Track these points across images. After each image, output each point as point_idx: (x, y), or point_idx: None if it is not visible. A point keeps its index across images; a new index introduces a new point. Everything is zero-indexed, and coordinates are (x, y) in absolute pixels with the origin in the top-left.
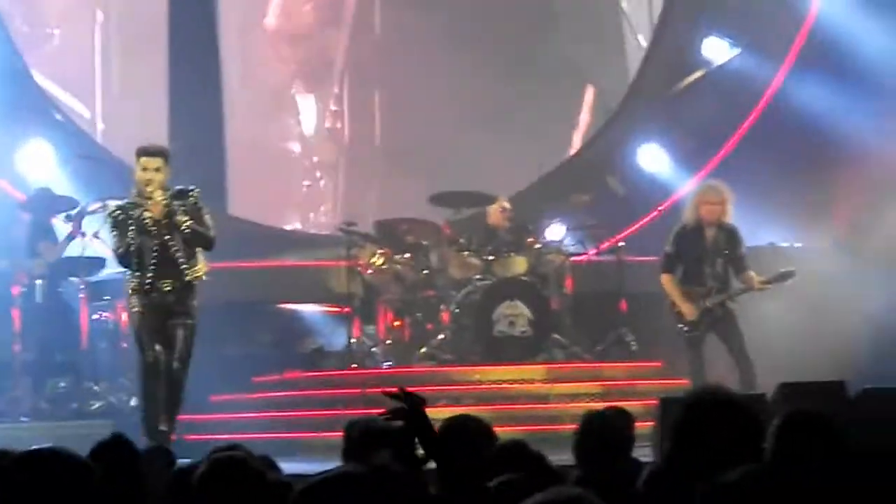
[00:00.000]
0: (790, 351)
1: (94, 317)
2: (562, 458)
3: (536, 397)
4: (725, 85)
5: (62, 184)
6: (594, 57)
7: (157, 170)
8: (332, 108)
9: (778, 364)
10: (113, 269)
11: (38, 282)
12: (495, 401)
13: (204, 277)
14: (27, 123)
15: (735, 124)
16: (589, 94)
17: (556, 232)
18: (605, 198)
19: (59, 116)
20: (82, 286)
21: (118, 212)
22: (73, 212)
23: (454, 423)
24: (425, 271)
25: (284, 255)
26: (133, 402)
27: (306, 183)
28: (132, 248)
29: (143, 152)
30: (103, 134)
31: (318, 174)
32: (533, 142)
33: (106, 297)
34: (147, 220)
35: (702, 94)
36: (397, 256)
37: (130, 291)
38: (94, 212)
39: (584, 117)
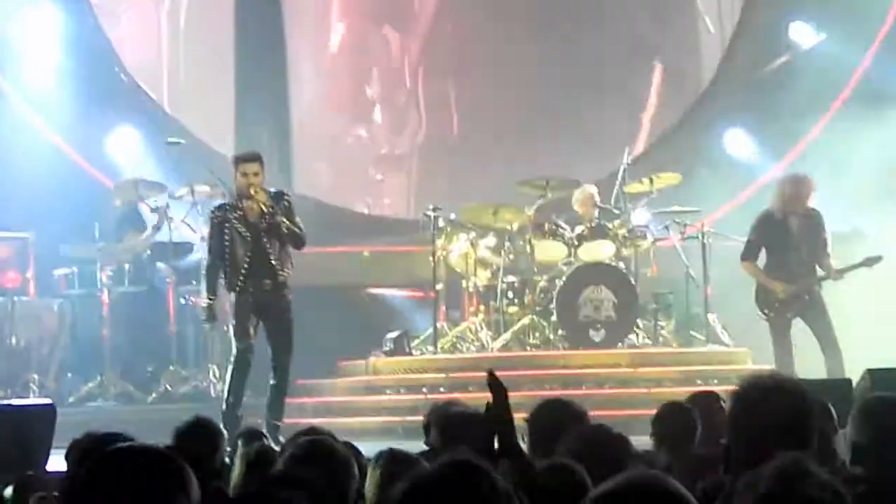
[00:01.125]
0: (878, 337)
1: (182, 301)
2: (647, 443)
3: (621, 382)
4: (811, 70)
5: (149, 169)
6: (664, 39)
7: (256, 174)
8: (405, 98)
9: (865, 350)
10: (200, 254)
11: (127, 267)
12: (580, 385)
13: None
14: (115, 110)
15: (821, 109)
16: (657, 76)
17: (641, 216)
18: (691, 182)
19: (147, 102)
20: (170, 271)
21: (217, 214)
22: (159, 203)
23: (549, 405)
24: (510, 256)
25: (370, 239)
26: (220, 386)
27: (378, 177)
28: (226, 253)
29: (242, 159)
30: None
31: (389, 164)
32: (610, 127)
33: (193, 282)
34: (242, 224)
35: (788, 78)
36: (482, 241)
37: (228, 290)
38: (180, 197)
39: (653, 100)
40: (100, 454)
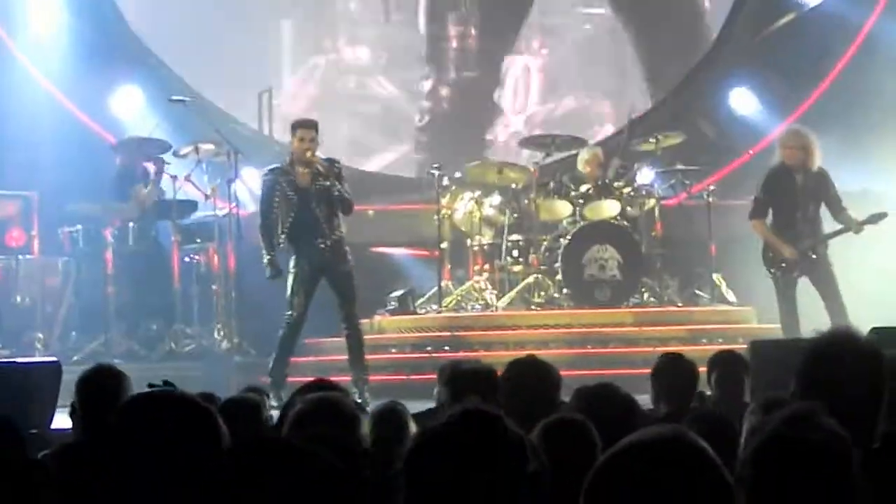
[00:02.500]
0: (882, 296)
1: (186, 259)
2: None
3: (626, 341)
4: (818, 27)
5: (153, 127)
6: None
7: (312, 140)
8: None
9: (869, 309)
10: (205, 212)
11: (131, 224)
12: (585, 344)
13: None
14: (119, 68)
15: (827, 67)
16: (661, 34)
17: (646, 176)
18: (696, 141)
19: (151, 60)
20: (174, 229)
21: (269, 176)
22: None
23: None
24: (515, 215)
25: (374, 198)
26: (224, 344)
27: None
28: (275, 215)
29: (300, 124)
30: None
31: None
32: (620, 85)
33: (197, 240)
34: (292, 189)
35: (794, 36)
36: (487, 200)
37: (294, 253)
38: (185, 155)
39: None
40: (131, 401)
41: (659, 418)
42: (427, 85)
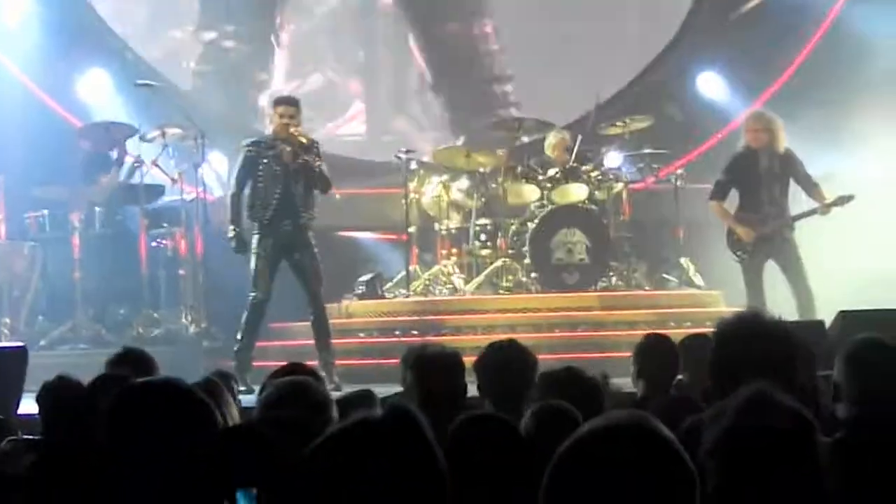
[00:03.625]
0: (848, 279)
1: (153, 244)
2: (618, 384)
3: (594, 324)
4: (785, 11)
5: (120, 111)
6: None
7: (292, 116)
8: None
9: (835, 292)
10: (172, 196)
11: (98, 209)
12: (553, 328)
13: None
14: (86, 52)
15: (794, 51)
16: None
17: (613, 159)
18: (664, 125)
19: (116, 44)
20: (141, 214)
21: (251, 149)
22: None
23: (496, 348)
24: (483, 199)
25: (342, 182)
26: (192, 329)
27: (350, 118)
28: (258, 188)
29: (280, 101)
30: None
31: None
32: (590, 68)
33: (165, 225)
34: (275, 163)
35: (761, 20)
36: (454, 184)
37: (255, 231)
38: (152, 139)
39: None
40: (124, 389)
41: (624, 403)
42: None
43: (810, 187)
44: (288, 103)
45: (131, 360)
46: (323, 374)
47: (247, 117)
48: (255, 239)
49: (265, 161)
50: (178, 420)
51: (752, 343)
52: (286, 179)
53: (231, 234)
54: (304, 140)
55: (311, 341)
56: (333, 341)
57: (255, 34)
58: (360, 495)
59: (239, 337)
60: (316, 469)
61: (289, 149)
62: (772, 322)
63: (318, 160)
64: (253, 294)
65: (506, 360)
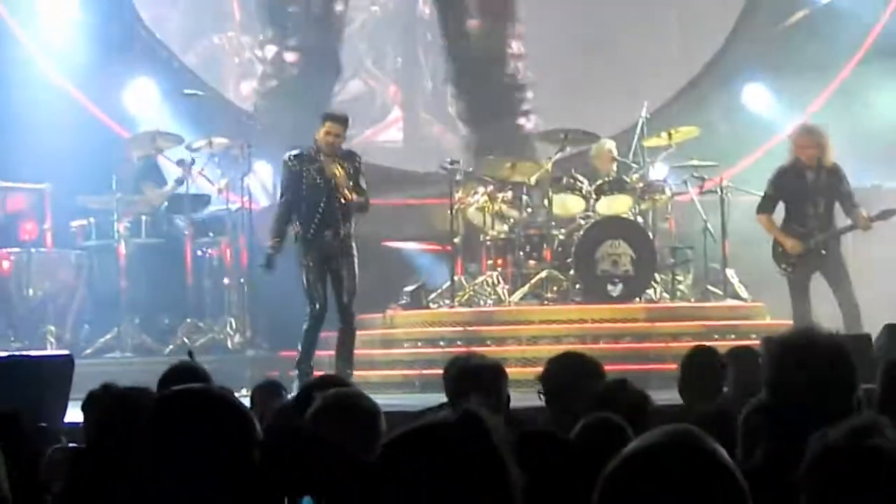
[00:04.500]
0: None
1: (199, 253)
2: (663, 397)
3: (638, 336)
4: (830, 23)
5: (167, 121)
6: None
7: (338, 135)
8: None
9: (883, 306)
10: (217, 206)
11: (144, 218)
12: (597, 340)
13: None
14: (132, 61)
15: (840, 63)
16: (676, 30)
17: (659, 170)
18: (709, 136)
19: (163, 53)
20: (187, 223)
21: (294, 162)
22: (182, 156)
23: (563, 359)
24: (528, 210)
25: (387, 192)
26: (237, 338)
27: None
28: (303, 201)
29: (330, 117)
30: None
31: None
32: (635, 80)
33: (210, 234)
34: (319, 176)
35: (807, 32)
36: (500, 195)
37: (298, 243)
38: (198, 149)
39: (671, 54)
40: (163, 397)
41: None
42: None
43: (850, 207)
44: (336, 121)
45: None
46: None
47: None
48: (301, 252)
49: (311, 173)
50: (215, 428)
51: (811, 360)
52: (329, 192)
53: (270, 246)
54: (342, 158)
55: (357, 352)
56: (379, 351)
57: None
58: (428, 500)
59: (301, 348)
60: (385, 472)
61: (331, 161)
62: (830, 339)
63: (352, 177)
64: (311, 307)
65: (575, 372)
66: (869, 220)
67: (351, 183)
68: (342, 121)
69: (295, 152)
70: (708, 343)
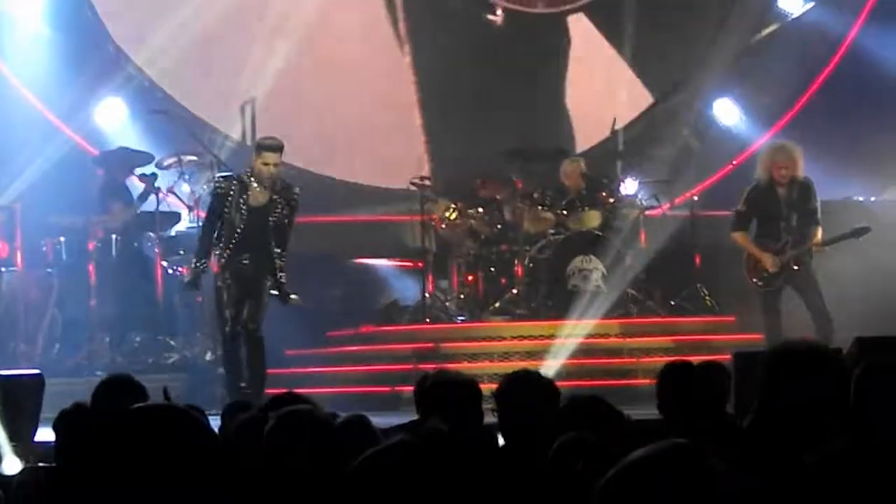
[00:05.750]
0: (866, 306)
1: (169, 271)
2: (636, 412)
3: (610, 352)
4: (800, 38)
5: (136, 139)
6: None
7: (276, 164)
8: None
9: (854, 319)
10: (187, 223)
11: (114, 237)
12: (569, 355)
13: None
14: (101, 79)
15: (810, 78)
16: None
17: (630, 186)
18: (680, 152)
19: (132, 71)
20: (157, 241)
21: (222, 184)
22: (146, 170)
23: (516, 378)
24: (499, 226)
25: (358, 209)
26: (208, 356)
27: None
28: (222, 222)
29: (265, 147)
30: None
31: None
32: (605, 96)
33: (180, 252)
34: (244, 203)
35: (777, 47)
36: (471, 211)
37: (217, 265)
38: (168, 167)
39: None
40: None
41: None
42: None
43: (810, 224)
44: (271, 149)
45: (118, 388)
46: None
47: None
48: (219, 271)
49: (234, 199)
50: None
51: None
52: (253, 219)
53: (194, 266)
54: (278, 189)
55: (328, 369)
56: (350, 368)
57: None
58: None
59: (224, 370)
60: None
61: (264, 190)
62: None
63: (286, 211)
64: (225, 331)
65: (526, 392)
66: (823, 243)
67: (282, 219)
68: (277, 149)
69: (226, 173)
70: (680, 358)
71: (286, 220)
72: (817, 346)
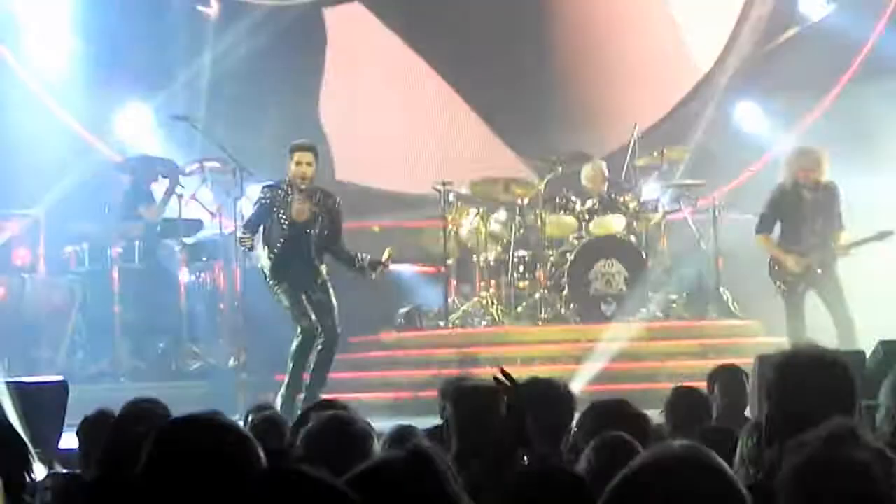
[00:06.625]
0: (891, 309)
1: (192, 278)
2: (659, 416)
3: (634, 356)
4: (821, 42)
5: (160, 146)
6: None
7: (309, 164)
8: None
9: (878, 322)
10: (210, 230)
11: (137, 243)
12: (592, 360)
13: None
14: (125, 85)
15: (831, 82)
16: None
17: (651, 190)
18: (701, 155)
19: (155, 76)
20: (180, 247)
21: (266, 194)
22: (169, 171)
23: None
24: (521, 230)
25: (380, 215)
26: (231, 362)
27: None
28: (265, 233)
29: (298, 147)
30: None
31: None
32: (628, 98)
33: (203, 258)
34: (286, 217)
35: (797, 51)
36: (493, 216)
37: (268, 279)
38: (191, 173)
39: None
40: (163, 428)
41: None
42: None
43: (836, 228)
44: (303, 149)
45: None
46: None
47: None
48: (270, 288)
49: (278, 211)
50: (220, 458)
51: (813, 372)
52: (296, 237)
53: (245, 239)
54: (317, 201)
55: (351, 374)
56: (373, 374)
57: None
58: None
59: (288, 373)
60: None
61: (304, 205)
62: (830, 353)
63: (328, 219)
64: (300, 327)
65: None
66: (847, 246)
67: (326, 233)
68: (310, 149)
69: (269, 183)
70: (703, 362)
71: (334, 231)
72: (824, 351)
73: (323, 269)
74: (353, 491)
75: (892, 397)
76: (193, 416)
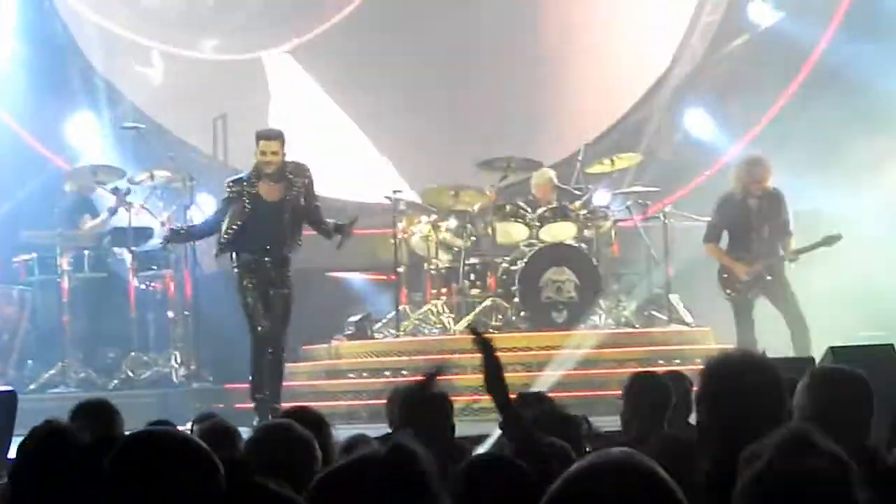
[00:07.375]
0: (840, 315)
1: (142, 287)
2: (610, 423)
3: (583, 363)
4: (771, 48)
5: (110, 155)
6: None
7: (275, 153)
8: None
9: (827, 328)
10: (160, 238)
11: (86, 253)
12: (542, 367)
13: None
14: (72, 94)
15: (780, 88)
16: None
17: (602, 197)
18: (652, 162)
19: (102, 86)
20: (130, 256)
21: (233, 187)
22: (118, 184)
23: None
24: (472, 238)
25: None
26: (182, 371)
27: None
28: (238, 226)
29: (263, 136)
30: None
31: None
32: (577, 107)
33: (153, 267)
34: (257, 202)
35: (747, 57)
36: (443, 224)
37: (238, 267)
38: (140, 182)
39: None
40: (125, 442)
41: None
42: None
43: (782, 235)
44: (269, 138)
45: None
46: (257, 416)
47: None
48: (243, 272)
49: (248, 198)
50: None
51: (741, 378)
52: (268, 216)
53: (175, 227)
54: (289, 174)
55: (302, 383)
56: (324, 382)
57: None
58: None
59: (251, 372)
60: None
61: (273, 185)
62: (759, 357)
63: (304, 193)
64: (257, 330)
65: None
66: (795, 252)
67: (303, 203)
68: (276, 137)
69: (235, 176)
70: (653, 369)
71: (310, 201)
72: (752, 355)
73: (288, 259)
74: (331, 490)
75: (805, 397)
76: (150, 432)
